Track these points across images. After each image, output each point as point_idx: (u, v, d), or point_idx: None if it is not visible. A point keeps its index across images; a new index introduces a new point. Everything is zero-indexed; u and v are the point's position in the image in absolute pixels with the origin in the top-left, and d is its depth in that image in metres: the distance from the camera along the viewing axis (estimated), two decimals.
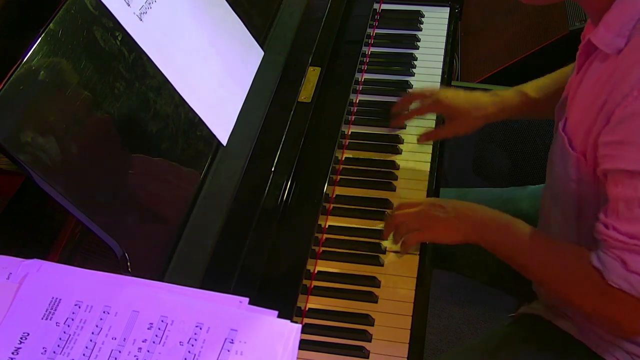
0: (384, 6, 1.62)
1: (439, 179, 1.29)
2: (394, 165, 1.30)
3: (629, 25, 0.90)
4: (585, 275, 0.97)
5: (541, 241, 1.06)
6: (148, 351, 0.77)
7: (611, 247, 0.93)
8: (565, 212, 1.09)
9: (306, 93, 1.26)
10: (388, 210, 1.20)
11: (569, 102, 1.03)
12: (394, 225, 1.13)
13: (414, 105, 1.33)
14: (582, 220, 1.05)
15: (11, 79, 0.84)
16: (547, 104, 1.28)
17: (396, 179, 1.27)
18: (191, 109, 1.07)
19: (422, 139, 1.32)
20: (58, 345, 0.78)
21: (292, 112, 1.21)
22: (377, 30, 1.56)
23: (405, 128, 1.37)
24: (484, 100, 1.30)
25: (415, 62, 1.49)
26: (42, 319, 0.80)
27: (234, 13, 1.23)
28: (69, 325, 0.79)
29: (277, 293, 1.02)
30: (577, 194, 1.04)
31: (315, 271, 1.14)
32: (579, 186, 1.02)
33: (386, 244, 1.17)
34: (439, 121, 1.38)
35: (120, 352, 0.78)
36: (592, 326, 1.14)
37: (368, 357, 1.03)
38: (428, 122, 1.38)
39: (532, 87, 1.29)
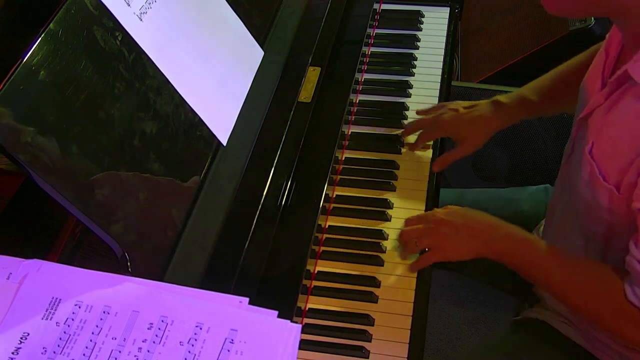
0: (384, 6, 1.61)
1: (439, 179, 1.29)
2: (394, 165, 1.30)
3: None
4: (620, 305, 0.96)
5: (570, 261, 1.04)
6: (148, 351, 0.77)
7: None
8: (589, 235, 1.07)
9: (306, 93, 1.26)
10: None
11: (591, 124, 1.00)
12: (402, 242, 1.13)
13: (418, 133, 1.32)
14: (610, 245, 1.04)
15: (11, 79, 0.84)
16: (547, 105, 1.28)
17: (396, 179, 1.27)
18: (191, 109, 1.07)
19: (437, 166, 1.28)
20: (58, 345, 0.78)
21: (292, 112, 1.21)
22: (377, 30, 1.56)
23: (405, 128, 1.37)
24: (485, 114, 1.29)
25: (415, 62, 1.49)
26: (42, 319, 0.80)
27: (234, 13, 1.23)
28: (69, 325, 0.79)
29: (277, 293, 1.02)
30: (608, 223, 1.02)
31: (315, 271, 1.14)
32: (611, 216, 1.00)
33: (386, 244, 1.17)
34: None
35: (120, 352, 0.78)
36: (595, 332, 1.14)
37: (368, 357, 1.03)
38: None
39: (531, 91, 1.28)
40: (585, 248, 1.10)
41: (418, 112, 1.36)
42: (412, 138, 1.33)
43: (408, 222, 1.14)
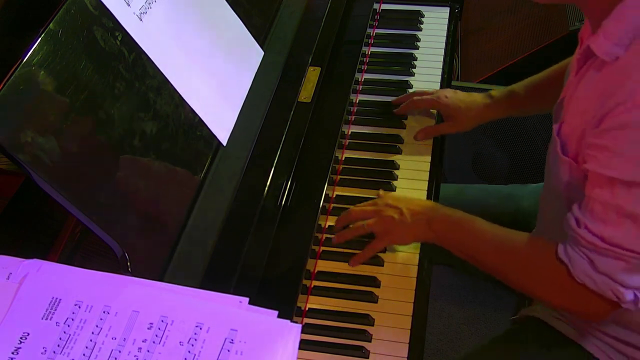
0: (384, 6, 1.62)
1: (439, 179, 1.29)
2: (394, 165, 1.30)
3: (629, 34, 0.90)
4: (550, 268, 0.99)
5: (499, 235, 1.08)
6: (148, 351, 0.77)
7: (580, 245, 0.95)
8: (558, 213, 1.09)
9: (306, 93, 1.26)
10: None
11: (565, 105, 1.04)
12: (348, 219, 1.16)
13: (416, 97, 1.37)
14: None
15: (11, 79, 0.84)
16: (534, 101, 1.33)
17: (396, 179, 1.27)
18: (191, 109, 1.07)
19: (420, 135, 1.35)
20: (58, 345, 0.78)
21: (292, 112, 1.21)
22: (377, 30, 1.56)
23: (405, 128, 1.37)
24: (477, 101, 1.35)
25: (415, 62, 1.49)
26: (42, 319, 0.80)
27: (234, 13, 1.23)
28: (69, 325, 0.79)
29: (277, 293, 1.02)
30: (568, 197, 1.04)
31: (315, 271, 1.14)
32: (569, 189, 1.03)
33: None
34: (439, 119, 1.39)
35: (120, 352, 0.78)
36: (590, 328, 1.15)
37: (368, 357, 1.03)
38: (429, 121, 1.38)
39: (521, 86, 1.34)
40: (556, 227, 1.12)
41: (415, 92, 1.41)
42: (412, 138, 1.34)
43: (355, 207, 1.17)
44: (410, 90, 1.42)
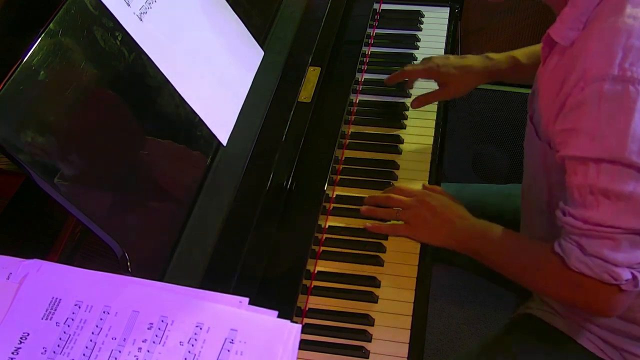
0: (384, 6, 1.62)
1: (439, 179, 1.29)
2: (394, 165, 1.30)
3: (582, 17, 0.95)
4: (549, 264, 1.00)
5: (512, 240, 1.10)
6: (148, 351, 0.77)
7: (569, 233, 0.97)
8: (537, 202, 1.13)
9: (306, 93, 1.26)
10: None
11: (537, 95, 1.06)
12: (384, 202, 1.18)
13: (407, 68, 1.39)
14: (551, 208, 1.07)
15: (11, 79, 0.84)
16: (534, 70, 1.32)
17: (396, 179, 1.27)
18: (191, 109, 1.07)
19: (415, 103, 1.36)
20: (58, 345, 0.78)
21: (292, 112, 1.21)
22: (377, 30, 1.56)
23: (405, 128, 1.37)
24: (474, 63, 1.35)
25: (415, 62, 1.49)
26: (42, 319, 0.80)
27: (234, 13, 1.23)
28: (69, 325, 0.79)
29: (277, 293, 1.02)
30: (547, 184, 1.07)
31: (315, 271, 1.14)
32: (547, 175, 1.06)
33: (386, 244, 1.17)
34: (439, 119, 1.39)
35: (120, 352, 0.78)
36: (587, 324, 1.15)
37: (368, 357, 1.03)
38: (428, 122, 1.38)
39: (523, 53, 1.35)
40: (535, 218, 1.17)
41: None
42: (412, 138, 1.34)
43: (398, 190, 1.19)
44: (411, 91, 1.43)
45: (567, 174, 0.96)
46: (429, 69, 1.36)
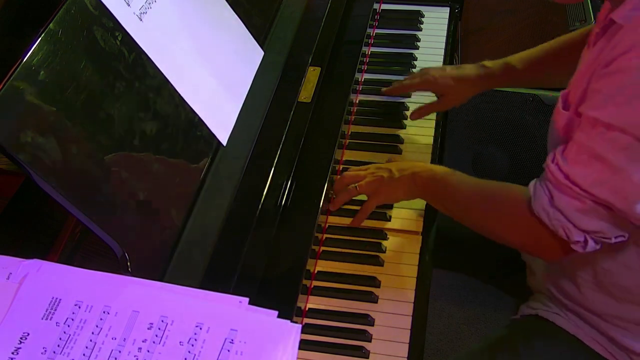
0: (384, 6, 1.62)
1: None
2: None
3: None
4: (514, 204, 1.03)
5: (473, 183, 1.12)
6: (148, 351, 0.77)
7: (547, 180, 0.97)
8: None
9: (306, 93, 1.26)
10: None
11: (577, 70, 1.05)
12: (342, 184, 1.20)
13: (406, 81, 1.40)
14: None
15: (11, 79, 0.84)
16: (529, 74, 1.35)
17: None
18: (191, 109, 1.07)
19: (414, 115, 1.37)
20: (58, 345, 0.78)
21: (292, 112, 1.21)
22: (377, 30, 1.56)
23: (405, 128, 1.37)
24: (469, 73, 1.36)
25: (415, 62, 1.49)
26: (42, 319, 0.80)
27: (234, 13, 1.23)
28: (69, 325, 0.79)
29: (277, 293, 1.02)
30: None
31: (315, 271, 1.14)
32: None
33: (386, 244, 1.17)
34: (439, 119, 1.39)
35: (120, 352, 0.78)
36: (594, 325, 1.15)
37: (368, 357, 1.03)
38: (428, 122, 1.38)
39: (518, 59, 1.35)
40: None
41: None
42: (412, 138, 1.34)
43: (349, 171, 1.22)
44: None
45: (579, 129, 0.95)
46: (426, 82, 1.37)
